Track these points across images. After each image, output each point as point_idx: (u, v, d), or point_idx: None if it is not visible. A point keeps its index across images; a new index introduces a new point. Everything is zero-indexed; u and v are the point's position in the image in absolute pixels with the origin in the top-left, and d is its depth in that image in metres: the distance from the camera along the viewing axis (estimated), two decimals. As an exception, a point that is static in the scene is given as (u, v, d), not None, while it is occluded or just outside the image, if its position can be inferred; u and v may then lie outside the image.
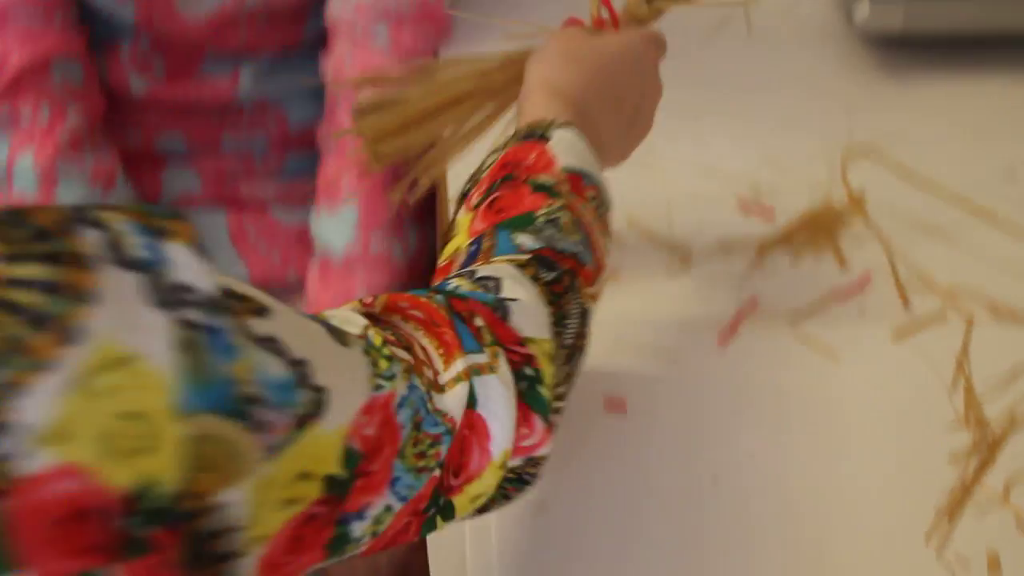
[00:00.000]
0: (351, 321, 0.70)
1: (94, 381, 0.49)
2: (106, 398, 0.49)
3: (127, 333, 0.51)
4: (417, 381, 0.71)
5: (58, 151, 1.20)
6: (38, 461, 0.47)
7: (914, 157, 1.22)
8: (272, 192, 1.34)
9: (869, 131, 1.25)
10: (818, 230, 1.15)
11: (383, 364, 0.69)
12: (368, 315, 0.73)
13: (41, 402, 0.47)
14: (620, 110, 1.00)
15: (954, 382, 1.00)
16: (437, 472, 0.72)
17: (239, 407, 0.55)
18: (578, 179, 0.89)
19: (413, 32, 1.21)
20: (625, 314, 1.08)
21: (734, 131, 1.25)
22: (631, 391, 1.01)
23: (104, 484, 0.49)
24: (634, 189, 1.19)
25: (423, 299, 0.75)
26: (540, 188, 0.87)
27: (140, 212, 0.54)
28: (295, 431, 0.60)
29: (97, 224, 0.52)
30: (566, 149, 0.89)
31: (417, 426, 0.70)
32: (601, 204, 0.90)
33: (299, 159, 1.32)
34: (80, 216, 0.52)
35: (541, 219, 0.85)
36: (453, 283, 0.80)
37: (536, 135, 0.90)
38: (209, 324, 0.54)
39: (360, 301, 0.74)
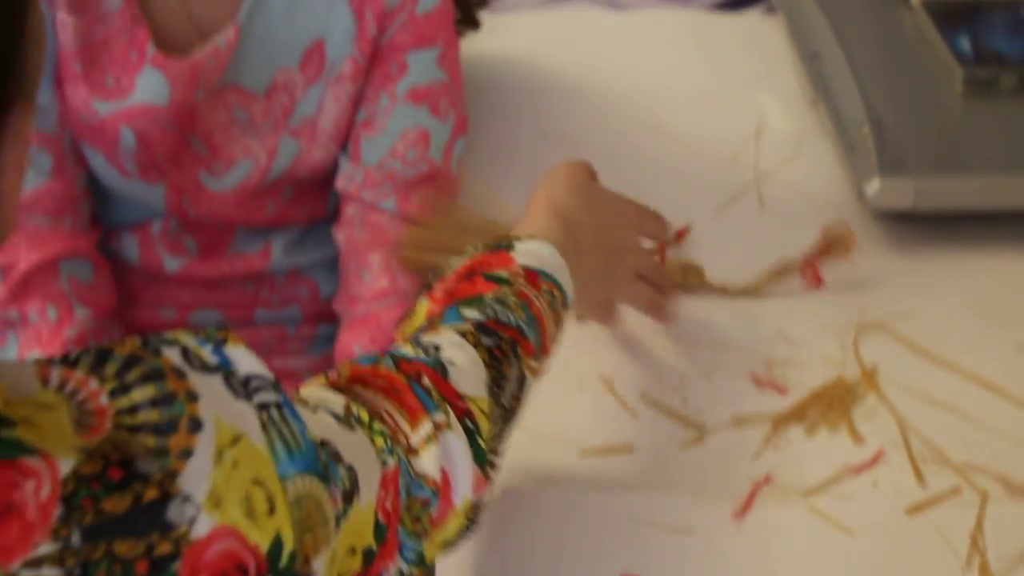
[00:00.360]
0: (328, 400, 0.79)
1: (225, 456, 0.60)
2: (237, 469, 0.60)
3: (230, 419, 0.62)
4: (398, 449, 0.79)
5: (65, 350, 1.22)
6: (204, 525, 0.58)
7: (926, 332, 1.23)
8: (304, 364, 1.35)
9: (881, 306, 1.26)
10: (831, 405, 1.16)
11: (379, 441, 0.77)
12: (336, 388, 0.82)
13: (197, 477, 0.58)
14: (604, 252, 1.09)
15: (968, 559, 1.00)
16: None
17: (322, 467, 0.66)
18: (534, 275, 0.97)
19: (421, 198, 1.24)
20: (640, 487, 1.08)
21: (747, 306, 1.27)
22: (647, 566, 1.01)
23: (251, 542, 0.60)
24: (648, 364, 1.20)
25: (381, 368, 0.84)
26: (493, 278, 0.96)
27: (197, 331, 0.65)
28: (346, 505, 0.70)
29: (171, 343, 0.63)
30: (528, 254, 0.98)
31: (408, 492, 0.79)
32: (555, 300, 0.98)
33: (330, 329, 1.33)
34: (152, 342, 0.63)
35: (489, 297, 0.94)
36: (399, 347, 0.88)
37: (503, 246, 0.99)
38: (279, 400, 0.65)
39: (325, 376, 0.83)
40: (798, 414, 1.16)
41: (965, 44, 1.47)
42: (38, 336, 1.25)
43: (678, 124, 1.50)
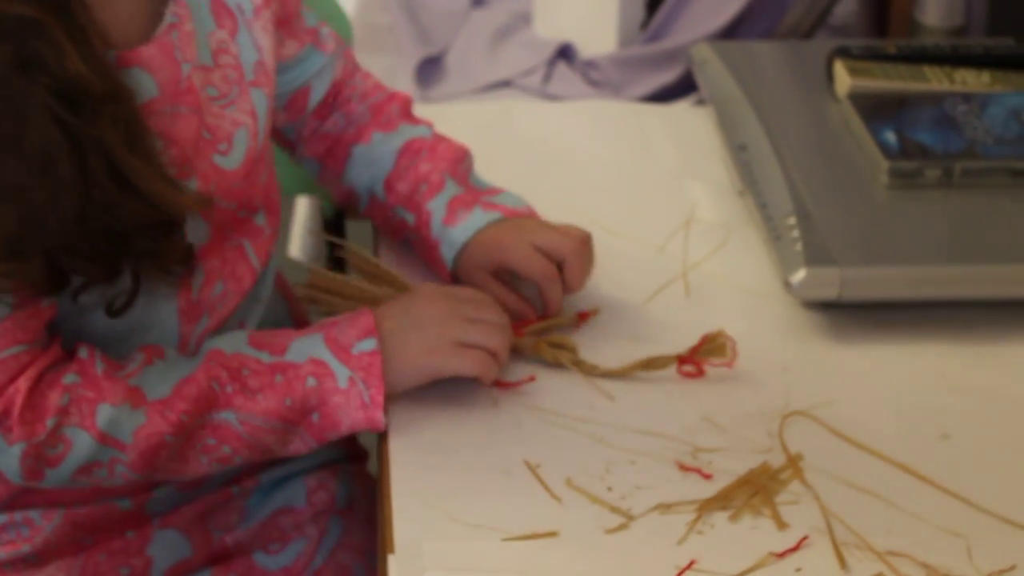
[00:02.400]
0: None
1: None
2: None
3: None
4: None
5: None
6: None
7: (851, 420, 1.25)
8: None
9: (807, 394, 1.28)
10: (756, 491, 1.17)
11: None
12: None
13: None
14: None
15: (891, 645, 1.01)
16: None
17: None
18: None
19: None
20: (565, 574, 1.09)
21: (671, 392, 1.28)
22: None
23: None
24: (573, 451, 1.21)
25: None
26: None
27: None
28: None
29: None
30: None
31: None
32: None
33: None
34: None
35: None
36: None
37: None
38: None
39: None
40: (723, 500, 1.16)
41: (891, 137, 1.50)
42: None
43: (608, 214, 1.52)
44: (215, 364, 1.20)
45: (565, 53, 2.10)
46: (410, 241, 1.42)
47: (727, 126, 1.62)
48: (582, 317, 1.36)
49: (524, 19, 2.21)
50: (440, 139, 1.43)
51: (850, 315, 1.38)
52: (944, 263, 1.39)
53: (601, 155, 1.65)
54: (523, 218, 1.37)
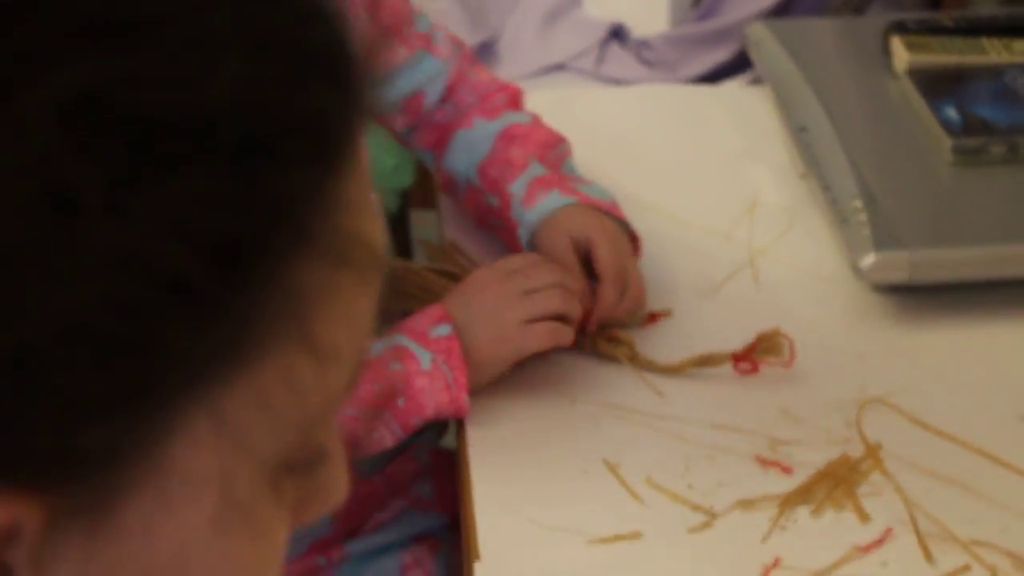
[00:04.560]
0: None
1: None
2: None
3: None
4: None
5: None
6: None
7: (928, 406, 1.23)
8: None
9: (882, 381, 1.27)
10: (836, 484, 1.16)
11: None
12: None
13: None
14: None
15: (982, 639, 1.00)
16: None
17: None
18: None
19: None
20: (651, 574, 1.08)
21: (748, 385, 1.27)
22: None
23: None
24: (652, 449, 1.20)
25: None
26: None
27: None
28: None
29: None
30: None
31: None
32: None
33: None
34: None
35: None
36: None
37: None
38: None
39: None
40: (804, 494, 1.16)
41: (952, 113, 1.48)
42: None
43: (670, 200, 1.51)
44: None
45: (617, 34, 2.07)
46: (496, 229, 1.40)
47: (786, 107, 1.60)
48: (652, 318, 1.34)
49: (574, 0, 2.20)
50: (538, 126, 1.41)
51: (921, 297, 1.36)
52: (1014, 241, 1.37)
53: (660, 140, 1.63)
54: (602, 209, 1.34)
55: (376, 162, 1.45)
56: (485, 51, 2.09)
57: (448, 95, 1.42)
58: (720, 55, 1.95)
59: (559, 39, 2.10)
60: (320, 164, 0.45)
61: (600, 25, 2.09)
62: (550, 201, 1.33)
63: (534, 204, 1.33)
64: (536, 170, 1.35)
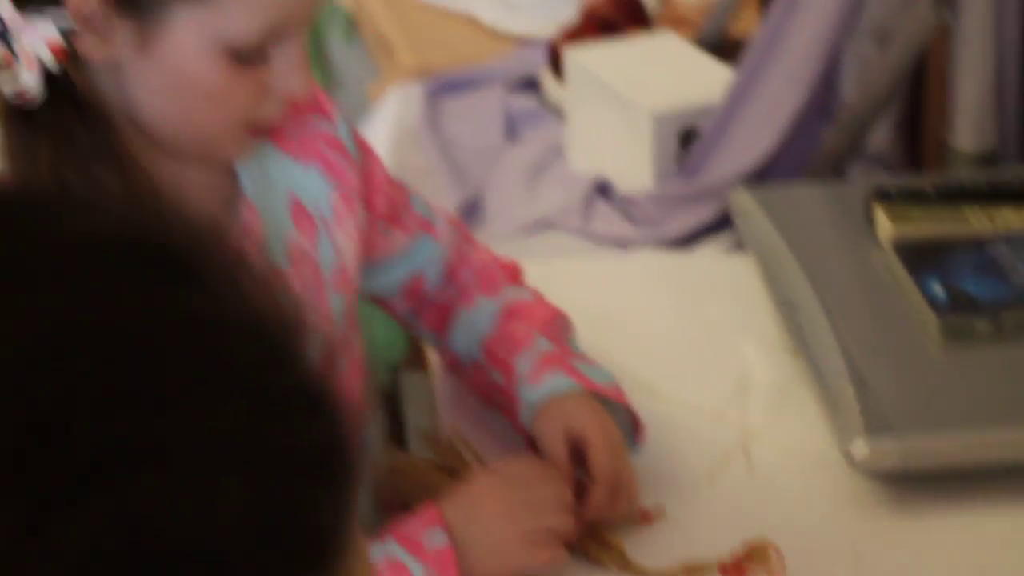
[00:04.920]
0: None
1: None
2: None
3: None
4: None
5: None
6: None
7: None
8: None
9: (875, 568, 1.26)
10: None
11: None
12: None
13: None
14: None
15: None
16: None
17: None
18: None
19: None
20: None
21: None
22: None
23: None
24: None
25: None
26: None
27: None
28: None
29: None
30: None
31: None
32: None
33: None
34: None
35: None
36: None
37: None
38: None
39: None
40: None
41: (937, 288, 1.48)
42: None
43: (659, 377, 1.51)
44: None
45: (602, 189, 2.09)
46: (499, 404, 1.39)
47: (772, 279, 1.61)
48: (645, 517, 1.32)
49: (557, 152, 2.21)
50: (539, 301, 1.42)
51: (916, 483, 1.36)
52: (1007, 424, 1.36)
53: (647, 313, 1.64)
54: (605, 398, 1.34)
55: (368, 336, 1.45)
56: (471, 209, 2.11)
57: (448, 276, 1.43)
58: (704, 213, 1.96)
59: (544, 194, 2.12)
60: (320, 568, 0.46)
61: (584, 180, 2.10)
62: (554, 383, 1.32)
63: (538, 384, 1.33)
64: (542, 345, 1.36)
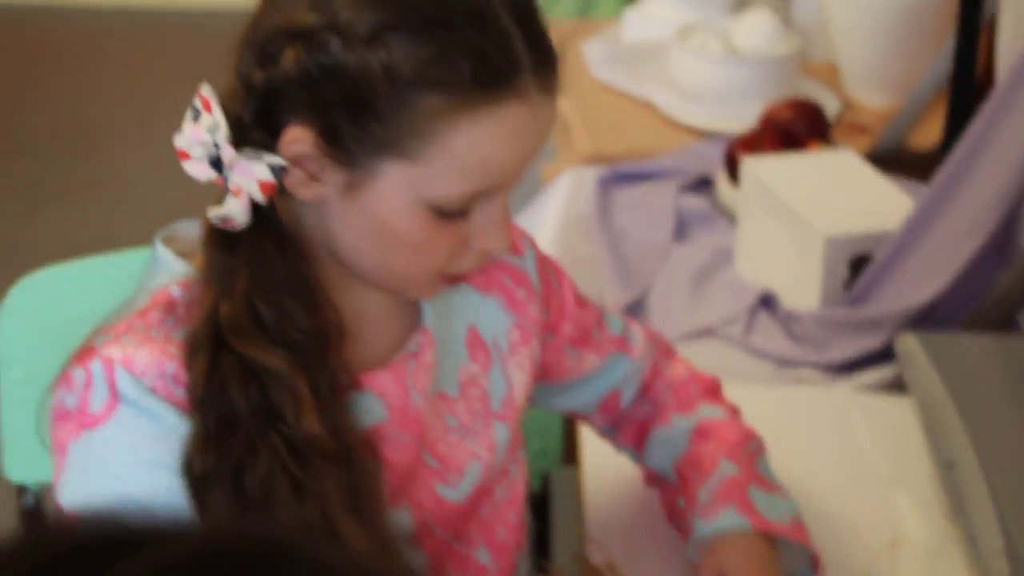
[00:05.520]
0: None
1: None
2: None
3: None
4: None
5: None
6: None
7: None
8: None
9: None
10: None
11: None
12: None
13: None
14: None
15: None
16: None
17: None
18: None
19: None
20: None
21: None
22: None
23: None
24: None
25: None
26: None
27: None
28: None
29: None
30: None
31: None
32: None
33: None
34: None
35: None
36: None
37: None
38: None
39: None
40: None
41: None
42: None
43: (812, 524, 1.50)
44: None
45: (767, 302, 2.10)
46: (680, 530, 1.42)
47: (934, 433, 1.61)
48: None
49: (726, 257, 2.22)
50: (733, 420, 1.44)
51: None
52: None
53: (807, 454, 1.64)
54: (782, 538, 1.35)
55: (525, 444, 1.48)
56: (636, 309, 2.12)
57: (644, 392, 1.46)
58: (868, 343, 1.95)
59: (709, 301, 2.13)
60: None
61: (751, 291, 2.11)
62: (724, 520, 1.34)
63: (709, 519, 1.35)
64: (726, 470, 1.37)
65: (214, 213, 1.13)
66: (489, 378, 1.29)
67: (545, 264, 1.37)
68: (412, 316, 1.26)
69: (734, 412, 1.46)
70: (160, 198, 3.55)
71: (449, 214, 1.13)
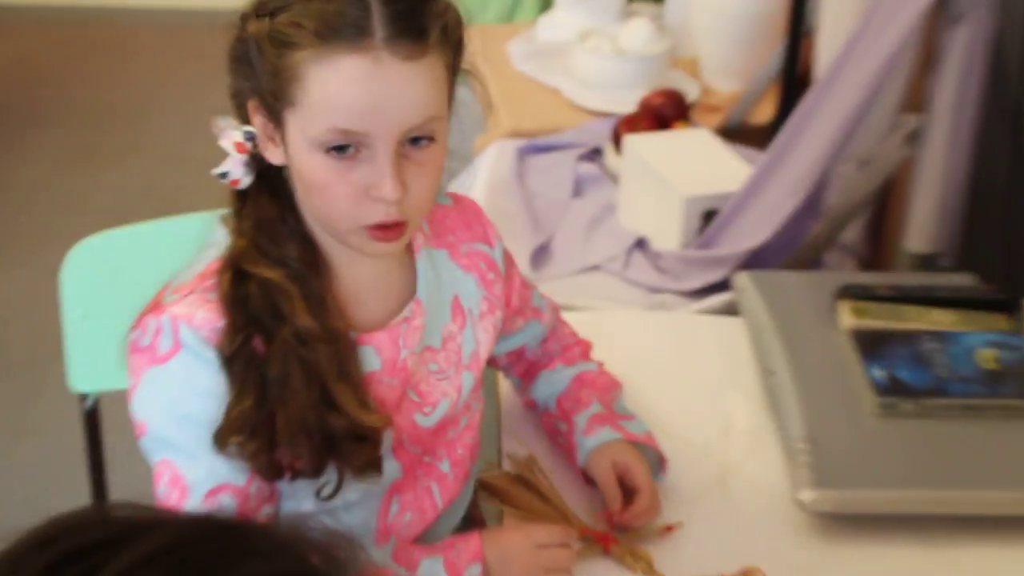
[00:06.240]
0: None
1: None
2: None
3: None
4: None
5: None
6: None
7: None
8: None
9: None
10: None
11: None
12: None
13: None
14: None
15: None
16: None
17: None
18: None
19: None
20: None
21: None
22: None
23: None
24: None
25: None
26: None
27: None
28: None
29: None
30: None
31: None
32: None
33: None
34: None
35: None
36: None
37: None
38: None
39: None
40: None
41: (879, 373, 1.49)
42: None
43: (663, 416, 1.53)
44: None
45: (640, 244, 2.11)
46: (560, 445, 1.45)
47: (759, 348, 1.62)
48: (668, 529, 1.36)
49: (610, 210, 2.23)
50: (603, 374, 1.48)
51: (849, 523, 1.38)
52: (922, 486, 1.38)
53: (665, 360, 1.66)
54: (641, 444, 1.39)
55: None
56: (542, 251, 2.13)
57: (541, 345, 1.49)
58: (713, 276, 1.98)
59: (597, 244, 2.14)
60: None
61: (629, 236, 2.13)
62: (602, 435, 1.39)
63: (593, 435, 1.39)
64: (596, 408, 1.42)
65: (215, 171, 1.16)
66: (463, 336, 1.30)
67: (506, 254, 1.37)
68: (409, 288, 1.25)
69: (601, 366, 1.49)
70: (195, 159, 3.55)
71: (336, 152, 1.09)
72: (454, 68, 1.13)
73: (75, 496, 1.29)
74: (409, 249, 1.26)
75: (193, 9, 4.64)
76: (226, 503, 1.16)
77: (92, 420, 1.68)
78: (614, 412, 1.43)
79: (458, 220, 1.32)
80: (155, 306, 1.15)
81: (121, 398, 1.57)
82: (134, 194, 3.58)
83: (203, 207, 1.33)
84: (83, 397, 1.64)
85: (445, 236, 1.30)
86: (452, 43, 1.12)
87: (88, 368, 1.60)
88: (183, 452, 1.14)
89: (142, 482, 1.15)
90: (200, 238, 1.21)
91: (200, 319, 1.13)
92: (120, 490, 1.71)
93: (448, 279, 1.29)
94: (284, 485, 1.19)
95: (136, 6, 4.80)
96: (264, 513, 1.20)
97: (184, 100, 4.06)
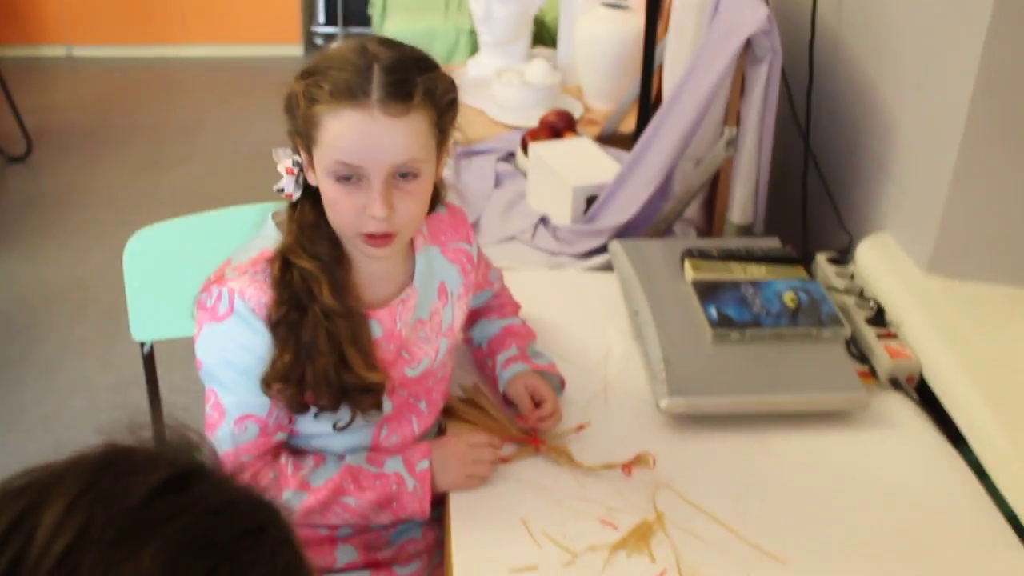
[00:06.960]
0: None
1: None
2: None
3: None
4: None
5: None
6: None
7: (698, 490, 1.21)
8: None
9: (671, 475, 1.24)
10: (639, 538, 1.14)
11: None
12: None
13: None
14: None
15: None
16: None
17: None
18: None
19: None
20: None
21: (601, 482, 1.24)
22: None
23: None
24: (552, 513, 1.16)
25: None
26: None
27: None
28: None
29: None
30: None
31: None
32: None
33: None
34: None
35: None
36: None
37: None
38: None
39: None
40: (622, 543, 1.14)
41: (713, 312, 1.45)
42: None
43: (560, 348, 1.47)
44: (346, 472, 1.17)
45: (544, 220, 2.04)
46: (485, 375, 1.38)
47: (627, 295, 1.57)
48: (580, 427, 1.31)
49: (522, 196, 2.16)
50: (524, 327, 1.41)
51: (698, 422, 1.34)
52: (744, 393, 1.34)
53: (561, 306, 1.60)
54: (545, 372, 1.33)
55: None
56: (475, 226, 2.05)
57: (486, 301, 1.41)
58: (595, 243, 1.92)
59: (512, 221, 2.07)
60: None
61: (535, 215, 2.05)
62: (518, 367, 1.33)
63: (510, 368, 1.33)
64: (513, 351, 1.35)
65: (275, 186, 1.12)
66: (444, 312, 1.23)
67: (479, 249, 1.32)
68: (408, 277, 1.20)
69: (525, 322, 1.42)
70: (231, 169, 3.41)
71: (343, 179, 1.05)
72: (441, 123, 1.08)
73: (137, 413, 1.20)
74: (411, 247, 1.21)
75: (230, 57, 4.44)
76: (250, 427, 1.13)
77: (149, 360, 1.58)
78: (526, 353, 1.36)
79: (449, 224, 1.27)
80: (219, 278, 1.11)
81: (170, 344, 1.48)
82: (183, 195, 3.43)
83: (238, 203, 1.35)
84: (142, 344, 1.54)
85: (439, 236, 1.25)
86: (439, 105, 1.07)
87: (145, 323, 1.50)
88: (224, 387, 1.11)
89: (182, 396, 1.09)
90: (240, 228, 1.17)
91: (250, 294, 1.09)
92: (167, 406, 1.62)
93: (438, 269, 1.24)
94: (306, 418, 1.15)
95: (186, 55, 4.58)
96: (278, 438, 1.16)
97: (224, 123, 3.89)
